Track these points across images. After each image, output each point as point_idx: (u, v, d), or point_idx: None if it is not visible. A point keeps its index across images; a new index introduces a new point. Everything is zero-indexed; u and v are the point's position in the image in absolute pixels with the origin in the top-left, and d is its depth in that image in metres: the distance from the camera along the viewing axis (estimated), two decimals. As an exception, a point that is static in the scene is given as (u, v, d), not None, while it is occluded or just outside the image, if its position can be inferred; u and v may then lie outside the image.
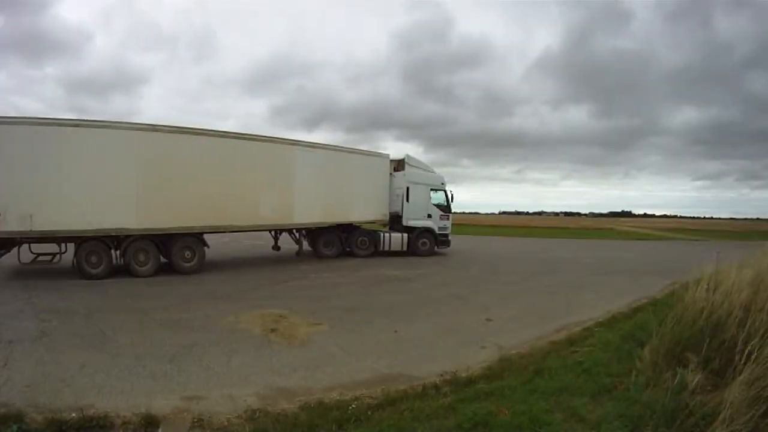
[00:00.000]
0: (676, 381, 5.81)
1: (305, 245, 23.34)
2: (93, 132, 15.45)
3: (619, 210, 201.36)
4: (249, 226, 20.04)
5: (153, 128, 16.63)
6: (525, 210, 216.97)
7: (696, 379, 5.70)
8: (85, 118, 16.56)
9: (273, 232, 22.41)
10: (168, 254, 17.14)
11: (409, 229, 25.15)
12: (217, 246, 21.29)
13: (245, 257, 22.80)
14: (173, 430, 5.81)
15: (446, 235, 26.40)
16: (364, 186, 23.59)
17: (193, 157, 17.27)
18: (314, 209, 21.39)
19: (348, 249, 23.62)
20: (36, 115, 15.48)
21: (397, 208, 25.31)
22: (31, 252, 15.79)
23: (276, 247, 22.87)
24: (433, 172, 26.43)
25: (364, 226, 24.59)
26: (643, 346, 7.60)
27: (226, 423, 5.98)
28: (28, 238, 15.11)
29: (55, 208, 14.78)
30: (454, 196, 26.51)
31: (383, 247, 24.23)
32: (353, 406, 6.25)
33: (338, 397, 6.60)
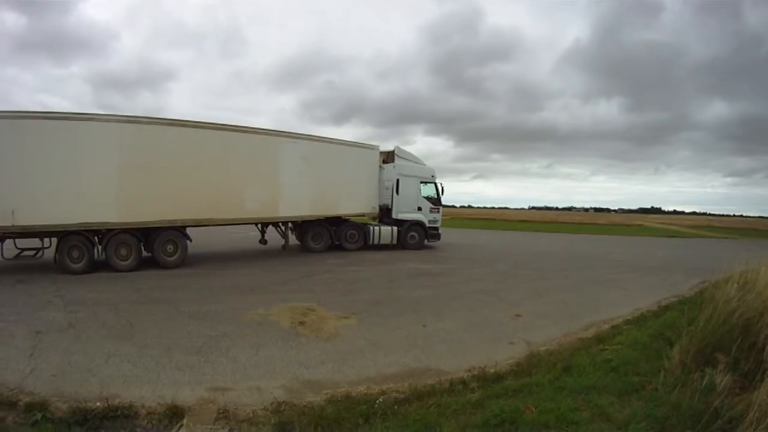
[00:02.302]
0: (704, 382, 5.82)
1: (293, 239, 23.49)
2: (74, 125, 15.55)
3: (649, 206, 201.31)
4: (233, 220, 20.03)
5: (134, 120, 16.70)
6: (554, 205, 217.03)
7: (724, 381, 5.68)
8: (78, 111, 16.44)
9: (259, 226, 22.53)
10: (150, 248, 17.29)
11: (399, 222, 25.28)
12: (236, 240, 21.63)
13: (266, 250, 23.01)
14: (198, 421, 5.95)
15: (436, 228, 26.62)
16: (352, 178, 23.60)
17: (175, 149, 17.33)
18: (300, 202, 21.39)
19: (337, 243, 23.68)
20: (15, 109, 15.59)
21: (386, 201, 25.43)
22: (16, 247, 16.11)
23: (263, 241, 23.02)
24: (423, 164, 26.53)
25: (353, 220, 24.66)
26: (672, 345, 7.61)
27: (251, 415, 6.12)
28: (10, 233, 15.35)
29: (36, 202, 14.93)
30: (444, 188, 26.64)
31: (373, 240, 24.37)
32: (380, 400, 6.36)
33: (365, 391, 6.72)
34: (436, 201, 26.39)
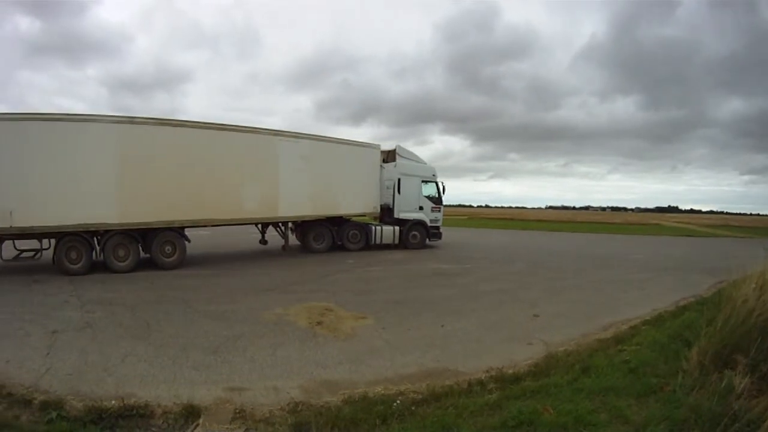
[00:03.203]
0: (723, 384, 5.80)
1: (294, 239, 23.57)
2: (72, 126, 15.67)
3: (666, 205, 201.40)
4: (232, 220, 20.12)
5: (131, 121, 16.83)
6: (571, 204, 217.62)
7: (743, 383, 5.67)
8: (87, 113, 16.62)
9: (260, 226, 22.59)
10: (148, 249, 17.37)
11: (401, 222, 25.38)
12: (254, 239, 21.78)
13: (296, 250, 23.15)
14: (214, 421, 6.03)
15: (437, 228, 26.76)
16: (353, 178, 23.61)
17: (173, 149, 17.45)
18: (300, 202, 21.42)
19: (339, 243, 23.75)
20: (12, 111, 15.72)
21: (387, 201, 25.49)
22: (15, 248, 16.27)
23: (263, 241, 23.12)
24: (424, 163, 26.69)
25: (355, 219, 24.72)
26: (690, 346, 7.55)
27: (268, 415, 6.18)
28: (8, 234, 15.49)
29: (34, 203, 15.10)
30: (445, 188, 26.78)
31: (375, 240, 24.45)
32: (397, 400, 6.40)
33: (383, 392, 6.76)
34: (437, 200, 26.58)
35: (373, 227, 24.66)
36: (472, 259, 22.47)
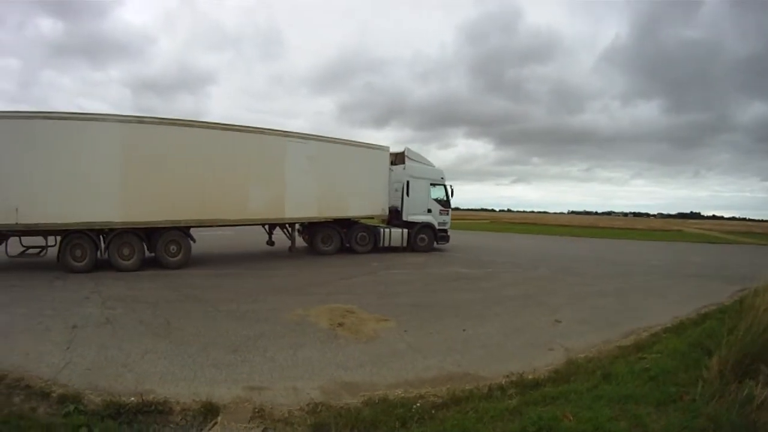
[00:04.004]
0: (742, 394, 5.82)
1: (301, 241, 23.82)
2: (78, 125, 15.90)
3: (688, 211, 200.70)
4: (238, 221, 20.20)
5: (138, 120, 17.02)
6: (594, 210, 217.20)
7: (764, 394, 5.66)
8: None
9: (267, 227, 22.65)
10: (153, 248, 17.54)
11: (409, 225, 25.49)
12: (277, 240, 21.94)
13: (303, 251, 23.25)
14: (233, 419, 6.14)
15: (445, 231, 26.92)
16: (361, 179, 23.65)
17: (179, 149, 17.59)
18: (307, 203, 21.52)
19: (347, 245, 23.80)
20: (18, 110, 15.98)
21: (395, 203, 25.56)
22: (22, 245, 16.56)
23: (270, 242, 23.20)
24: (432, 165, 26.77)
25: (363, 222, 24.81)
26: (711, 355, 7.54)
27: (287, 415, 6.26)
28: (13, 231, 15.82)
29: (40, 201, 15.35)
30: (453, 191, 26.96)
31: (383, 242, 24.58)
32: (417, 404, 6.46)
33: (403, 394, 6.82)
34: (445, 203, 26.76)
35: (382, 230, 24.81)
36: (494, 263, 22.50)
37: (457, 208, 28.55)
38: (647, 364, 7.98)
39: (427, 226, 26.07)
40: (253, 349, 8.66)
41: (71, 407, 6.15)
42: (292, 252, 22.51)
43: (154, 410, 6.32)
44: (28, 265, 16.33)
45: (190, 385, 7.01)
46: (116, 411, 6.21)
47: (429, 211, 26.17)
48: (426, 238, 26.06)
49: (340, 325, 10.42)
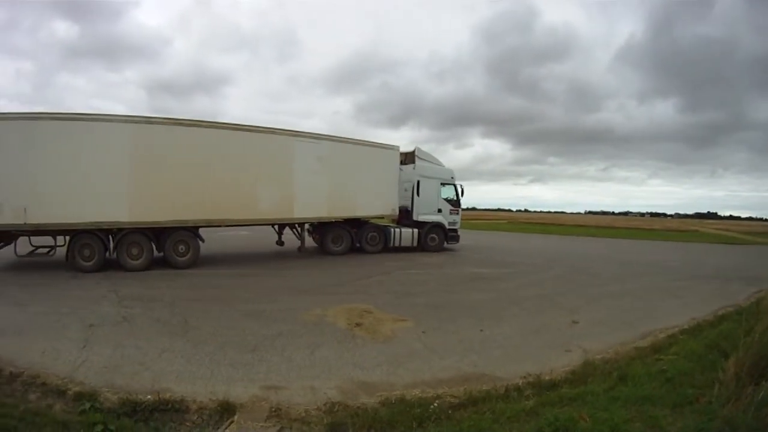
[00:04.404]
0: (759, 397, 5.85)
1: (311, 241, 23.79)
2: (86, 125, 16.03)
3: (705, 211, 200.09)
4: (246, 220, 20.32)
5: (145, 120, 17.14)
6: (611, 210, 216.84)
7: None
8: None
9: (276, 227, 22.71)
10: (162, 248, 17.64)
11: (419, 224, 25.51)
12: (289, 240, 22.05)
13: (313, 251, 23.39)
14: (250, 418, 6.24)
15: (455, 230, 26.95)
16: (371, 179, 23.56)
17: (187, 149, 17.65)
18: (317, 203, 21.48)
19: (357, 245, 23.83)
20: (25, 111, 16.15)
21: (405, 203, 25.57)
22: (31, 245, 16.81)
23: (280, 242, 23.28)
24: (442, 165, 26.79)
25: (373, 221, 24.85)
26: (727, 356, 7.48)
27: (303, 414, 6.35)
28: (22, 231, 16.00)
29: (48, 201, 15.49)
30: (464, 190, 27.03)
31: (393, 242, 24.58)
32: (434, 404, 6.51)
33: (420, 394, 6.87)
34: (455, 203, 26.79)
35: (392, 229, 24.83)
36: (512, 263, 22.53)
37: (473, 208, 28.73)
38: (664, 365, 7.99)
39: (438, 226, 26.13)
40: (270, 349, 8.75)
41: (87, 405, 6.26)
42: (301, 252, 22.59)
43: (171, 408, 6.43)
44: (44, 264, 16.56)
45: (207, 384, 7.10)
46: (132, 409, 6.33)
47: (439, 210, 26.24)
48: (436, 238, 26.11)
49: (358, 325, 10.50)
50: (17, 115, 15.72)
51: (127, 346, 8.58)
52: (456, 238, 27.04)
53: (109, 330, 9.52)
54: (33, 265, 16.46)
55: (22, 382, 7.00)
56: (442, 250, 26.16)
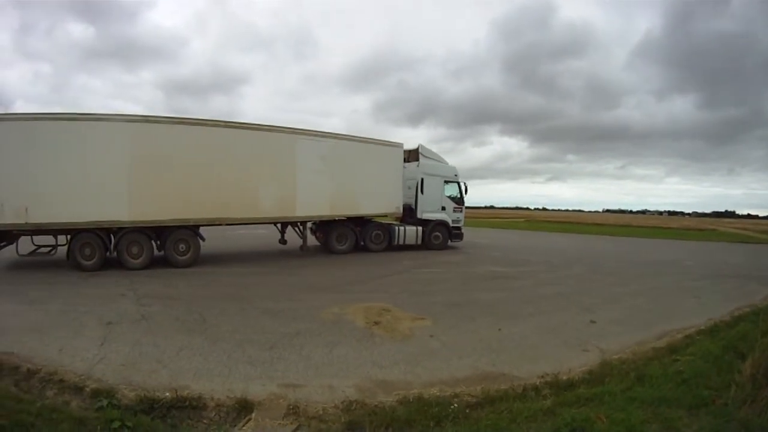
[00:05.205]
0: None
1: (313, 240, 23.92)
2: (86, 125, 16.24)
3: (722, 209, 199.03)
4: (248, 219, 20.44)
5: (145, 119, 17.30)
6: (628, 208, 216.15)
7: None
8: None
9: (279, 226, 22.88)
10: (162, 247, 17.83)
11: (424, 222, 25.65)
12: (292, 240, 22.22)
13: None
14: (267, 416, 6.36)
15: (459, 228, 27.06)
16: (375, 177, 23.62)
17: (187, 147, 17.80)
18: (319, 202, 21.55)
19: (362, 243, 23.95)
20: (26, 112, 16.38)
21: (408, 201, 25.71)
22: (34, 244, 17.07)
23: (283, 241, 23.46)
24: (445, 163, 26.90)
25: (377, 220, 24.94)
26: (744, 358, 7.63)
27: (321, 412, 6.45)
28: (23, 230, 16.24)
29: (48, 201, 15.73)
30: (467, 188, 27.10)
31: (397, 241, 24.70)
32: (452, 403, 6.62)
33: (438, 393, 6.96)
34: (459, 200, 26.90)
35: (396, 228, 24.97)
36: (529, 262, 22.63)
37: (491, 207, 28.81)
38: (681, 366, 8.02)
39: (442, 224, 26.29)
40: (288, 347, 8.88)
41: (105, 401, 6.39)
42: (303, 251, 22.69)
43: (188, 406, 6.55)
44: (62, 262, 16.79)
45: (224, 382, 7.24)
46: (150, 406, 6.46)
47: (443, 208, 26.40)
48: (440, 236, 26.27)
49: (376, 323, 10.63)
50: (18, 116, 16.03)
51: (145, 343, 8.76)
52: (460, 236, 27.20)
53: (127, 328, 9.70)
54: (50, 263, 16.77)
55: (40, 378, 7.17)
56: (446, 248, 26.32)
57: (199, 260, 18.30)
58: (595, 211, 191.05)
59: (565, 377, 7.71)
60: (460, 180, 26.97)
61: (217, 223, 19.18)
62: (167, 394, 6.70)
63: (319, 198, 21.49)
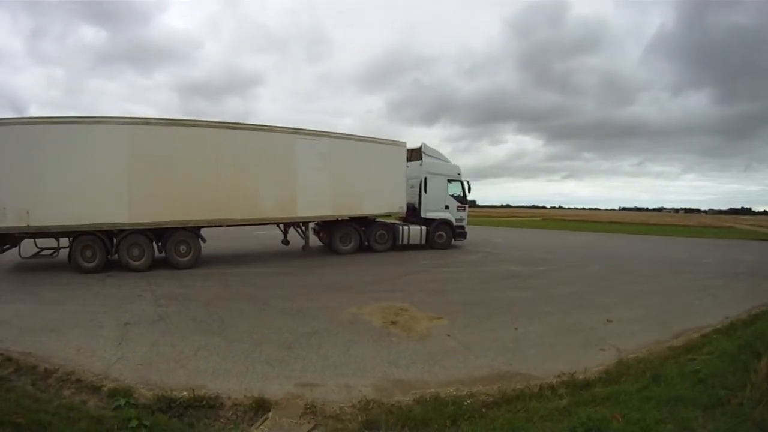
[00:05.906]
0: None
1: (316, 240, 24.11)
2: (86, 128, 16.48)
3: (739, 206, 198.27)
4: (248, 220, 20.41)
5: (145, 121, 17.49)
6: (645, 206, 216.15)
7: None
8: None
9: (282, 226, 22.84)
10: (163, 249, 18.01)
11: (427, 222, 25.73)
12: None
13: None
14: (284, 415, 6.48)
15: (463, 227, 27.13)
16: (377, 176, 23.67)
17: (187, 149, 18.00)
18: (321, 202, 21.60)
19: (366, 243, 24.00)
20: (27, 116, 16.74)
21: (412, 200, 25.79)
22: (37, 246, 17.41)
23: (285, 242, 23.43)
24: (448, 161, 27.00)
25: (381, 219, 24.99)
26: (760, 357, 7.60)
27: (338, 411, 6.57)
28: (25, 233, 16.52)
29: (50, 203, 16.02)
30: (470, 186, 27.25)
31: (402, 240, 24.79)
32: (468, 402, 6.74)
33: (454, 393, 7.08)
34: (462, 199, 27.06)
35: (400, 227, 25.08)
36: (546, 261, 22.73)
37: (508, 205, 28.68)
38: (697, 366, 8.06)
39: (445, 223, 26.44)
40: (306, 346, 9.04)
41: (122, 401, 6.53)
42: (305, 252, 22.90)
43: (206, 405, 6.69)
44: (69, 265, 17.00)
45: (242, 381, 7.38)
46: (167, 405, 6.60)
47: (447, 207, 26.54)
48: (444, 235, 26.42)
49: (393, 323, 10.77)
50: (18, 120, 16.40)
51: (163, 344, 8.95)
52: (464, 235, 27.32)
53: (145, 328, 9.91)
54: (55, 266, 17.10)
55: (57, 378, 7.37)
56: (450, 246, 26.52)
57: (200, 261, 18.54)
58: (611, 209, 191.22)
59: (581, 377, 7.79)
60: (463, 179, 27.12)
61: (218, 224, 19.32)
62: (184, 393, 6.84)
63: (321, 198, 21.58)
